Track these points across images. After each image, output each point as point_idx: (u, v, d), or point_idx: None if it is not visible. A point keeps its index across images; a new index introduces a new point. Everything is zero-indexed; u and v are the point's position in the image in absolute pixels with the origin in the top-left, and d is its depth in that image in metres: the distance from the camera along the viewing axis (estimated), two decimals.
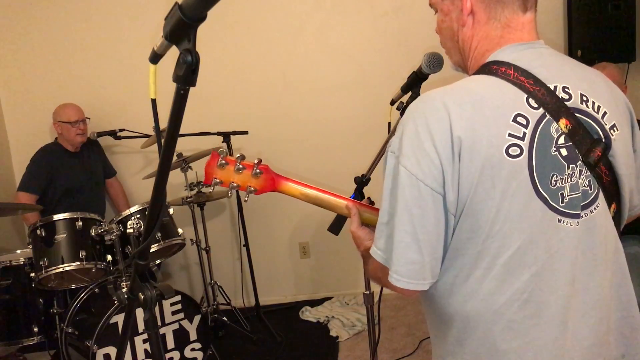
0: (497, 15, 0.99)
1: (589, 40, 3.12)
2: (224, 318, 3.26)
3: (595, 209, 0.96)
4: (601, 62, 2.62)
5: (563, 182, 0.93)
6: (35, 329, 2.72)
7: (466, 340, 0.97)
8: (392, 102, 1.78)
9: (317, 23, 3.53)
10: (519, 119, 0.90)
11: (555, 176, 0.92)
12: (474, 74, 1.00)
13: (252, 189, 1.22)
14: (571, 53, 3.28)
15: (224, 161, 1.18)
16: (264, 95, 3.60)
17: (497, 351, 0.94)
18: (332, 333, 3.21)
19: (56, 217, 2.58)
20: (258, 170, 1.21)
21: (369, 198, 1.39)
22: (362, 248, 1.16)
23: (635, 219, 1.17)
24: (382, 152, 1.84)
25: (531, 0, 1.00)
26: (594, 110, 0.97)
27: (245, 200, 1.24)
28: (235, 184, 1.21)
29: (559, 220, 0.92)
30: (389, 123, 1.78)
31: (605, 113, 0.98)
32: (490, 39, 1.00)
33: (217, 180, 1.19)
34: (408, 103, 1.70)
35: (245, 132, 3.25)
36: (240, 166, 1.19)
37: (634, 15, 3.02)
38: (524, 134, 0.90)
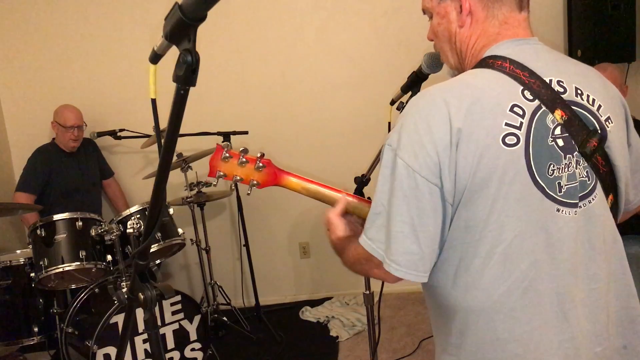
0: (495, 12, 1.02)
1: (589, 40, 3.12)
2: (224, 318, 3.26)
3: (593, 199, 0.98)
4: (601, 63, 2.62)
5: (560, 171, 0.94)
6: (35, 329, 2.71)
7: (469, 330, 0.98)
8: (392, 102, 1.78)
9: (317, 23, 3.53)
10: (516, 109, 0.92)
11: (552, 165, 0.93)
12: (471, 68, 1.02)
13: (255, 182, 1.24)
14: (571, 53, 3.28)
15: (227, 154, 1.21)
16: (264, 95, 3.60)
17: (498, 340, 0.95)
18: (332, 333, 3.21)
19: (56, 217, 2.58)
20: (261, 164, 1.23)
21: (368, 198, 1.39)
22: (334, 237, 1.18)
23: (632, 216, 1.18)
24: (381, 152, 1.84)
25: (525, 0, 1.04)
26: (589, 103, 0.99)
27: (248, 194, 1.25)
28: (238, 177, 1.23)
29: (558, 210, 0.94)
30: (389, 123, 1.78)
31: (600, 106, 1.00)
32: (488, 35, 1.02)
33: (221, 174, 1.22)
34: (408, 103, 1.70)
35: (246, 132, 3.25)
36: (244, 160, 1.22)
37: (634, 15, 3.02)
38: (521, 123, 0.92)
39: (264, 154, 1.23)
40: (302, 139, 3.63)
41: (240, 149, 1.21)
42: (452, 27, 1.05)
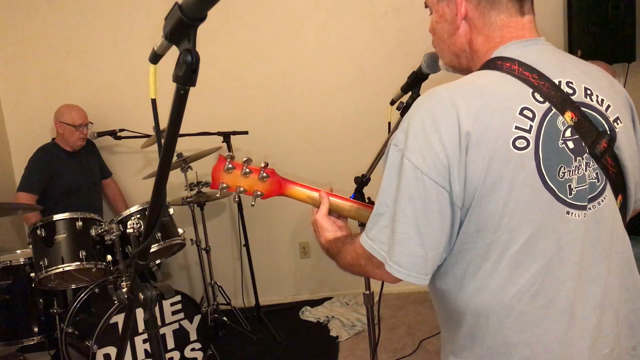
0: (492, 19, 1.01)
1: (589, 40, 3.12)
2: (224, 318, 3.26)
3: (602, 201, 0.98)
4: (594, 61, 2.61)
5: (570, 174, 0.94)
6: (35, 329, 2.71)
7: (478, 334, 0.97)
8: (392, 102, 1.78)
9: (317, 23, 3.53)
10: (525, 112, 0.92)
11: (562, 168, 0.93)
12: (479, 69, 1.02)
13: (259, 193, 1.22)
14: (571, 53, 3.28)
15: (230, 165, 1.18)
16: (264, 95, 3.60)
17: (508, 344, 0.95)
18: (332, 333, 3.21)
19: (56, 217, 2.58)
20: (264, 174, 1.21)
21: (369, 198, 1.39)
22: (323, 239, 1.18)
23: (636, 217, 1.18)
24: (382, 152, 1.84)
25: (527, 5, 1.03)
26: (598, 104, 0.99)
27: (252, 205, 1.23)
28: (242, 189, 1.21)
29: (567, 212, 0.93)
30: (389, 123, 1.78)
31: (608, 106, 1.00)
32: (492, 39, 1.02)
33: (224, 185, 1.19)
34: (408, 103, 1.70)
35: (245, 132, 3.26)
36: (247, 170, 1.19)
37: (634, 15, 3.02)
38: (531, 126, 0.91)
39: (267, 164, 1.21)
40: (302, 138, 3.62)
41: (244, 159, 1.19)
42: (450, 28, 1.06)
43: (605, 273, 0.98)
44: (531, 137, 0.91)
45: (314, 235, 1.24)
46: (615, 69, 3.10)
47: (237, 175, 1.20)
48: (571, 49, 3.30)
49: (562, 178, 0.93)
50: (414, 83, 1.67)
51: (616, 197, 1.00)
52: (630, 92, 1.11)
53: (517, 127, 0.90)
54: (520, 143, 0.90)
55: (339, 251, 1.12)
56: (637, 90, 3.14)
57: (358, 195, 1.86)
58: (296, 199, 1.25)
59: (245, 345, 3.16)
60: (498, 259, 0.92)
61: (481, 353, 0.98)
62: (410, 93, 1.70)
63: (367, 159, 1.95)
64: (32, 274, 2.57)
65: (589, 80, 1.00)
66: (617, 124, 1.00)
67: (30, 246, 2.60)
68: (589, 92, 0.99)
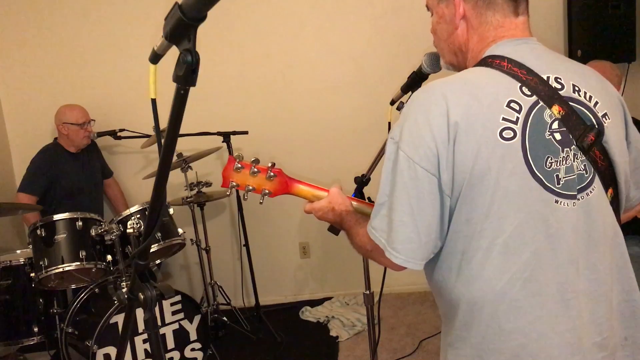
0: (489, 19, 1.05)
1: (589, 40, 3.12)
2: (224, 318, 3.26)
3: (591, 192, 1.00)
4: (597, 60, 2.60)
5: (558, 164, 0.96)
6: (35, 329, 2.71)
7: (473, 322, 0.99)
8: (392, 102, 1.78)
9: (317, 23, 3.53)
10: (512, 104, 0.95)
11: (550, 158, 0.96)
12: (473, 67, 1.06)
13: (267, 191, 1.27)
14: (571, 53, 3.28)
15: (239, 165, 1.23)
16: (264, 95, 3.60)
17: (502, 331, 0.97)
18: (332, 333, 3.21)
19: (56, 217, 2.58)
20: (272, 174, 1.26)
21: (369, 198, 1.40)
22: (338, 208, 1.21)
23: (635, 219, 1.18)
24: (382, 152, 1.84)
25: (522, 6, 1.07)
26: (586, 99, 1.02)
27: (261, 203, 1.27)
28: (250, 187, 1.26)
29: (556, 201, 0.96)
30: (389, 123, 1.78)
31: (597, 102, 1.03)
32: (485, 39, 1.06)
33: (234, 184, 1.24)
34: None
35: (245, 132, 3.26)
36: (255, 169, 1.25)
37: (634, 15, 3.01)
38: (517, 118, 0.95)
39: (274, 164, 1.26)
40: (301, 138, 3.62)
41: (252, 159, 1.25)
42: (449, 28, 1.10)
43: (598, 262, 1.00)
44: (518, 128, 0.94)
45: (320, 211, 1.25)
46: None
47: (246, 174, 1.25)
48: (571, 49, 3.30)
49: (549, 168, 0.95)
50: (414, 83, 1.68)
51: (606, 190, 1.02)
52: (630, 92, 1.12)
53: (504, 119, 0.94)
54: (507, 134, 0.93)
55: (351, 228, 1.17)
56: (637, 90, 3.13)
57: (358, 195, 1.86)
58: (303, 197, 1.30)
59: (245, 345, 3.16)
60: (489, 247, 0.95)
61: (477, 340, 0.99)
62: (410, 93, 1.70)
63: (367, 159, 1.95)
64: (32, 274, 2.57)
65: (577, 78, 1.03)
66: (606, 119, 1.02)
67: (30, 246, 2.60)
68: (577, 88, 1.02)
